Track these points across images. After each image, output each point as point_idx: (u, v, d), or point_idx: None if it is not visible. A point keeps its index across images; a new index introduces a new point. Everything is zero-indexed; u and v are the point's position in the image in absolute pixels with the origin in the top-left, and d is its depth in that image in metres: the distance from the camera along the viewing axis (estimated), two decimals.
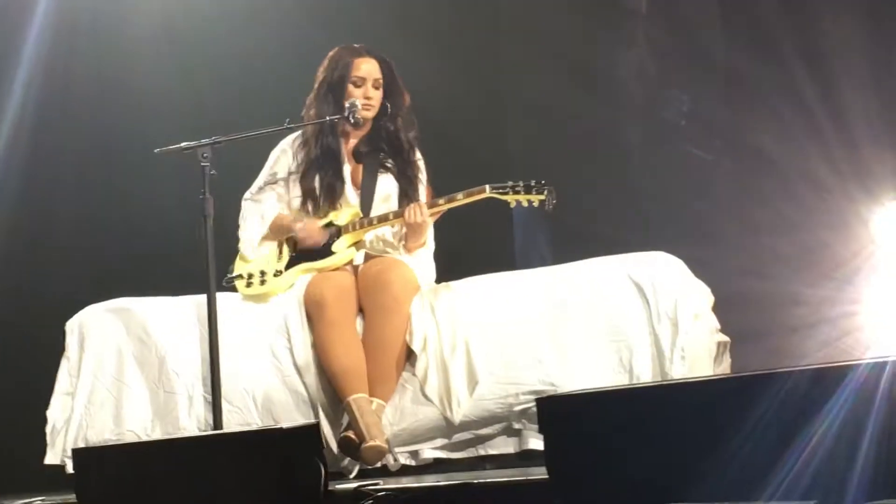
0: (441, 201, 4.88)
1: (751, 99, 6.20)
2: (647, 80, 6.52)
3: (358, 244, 4.96)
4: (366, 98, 4.99)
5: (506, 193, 4.83)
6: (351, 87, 5.00)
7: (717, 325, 4.75)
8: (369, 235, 4.98)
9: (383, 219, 4.91)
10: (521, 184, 4.83)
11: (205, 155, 4.57)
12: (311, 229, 4.92)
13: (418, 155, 5.12)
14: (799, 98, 5.93)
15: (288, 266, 4.93)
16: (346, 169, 5.05)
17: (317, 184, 4.99)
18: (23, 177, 6.46)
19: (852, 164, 5.79)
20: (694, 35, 6.35)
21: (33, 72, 6.47)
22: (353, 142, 5.10)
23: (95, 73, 6.53)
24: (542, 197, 4.82)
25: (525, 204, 4.84)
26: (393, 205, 5.01)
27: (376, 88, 5.03)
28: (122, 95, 6.45)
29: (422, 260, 4.97)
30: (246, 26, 6.46)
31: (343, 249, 4.91)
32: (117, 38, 6.52)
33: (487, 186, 4.83)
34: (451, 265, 5.11)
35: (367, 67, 5.02)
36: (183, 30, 6.50)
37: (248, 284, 4.93)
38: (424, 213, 4.83)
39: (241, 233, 5.03)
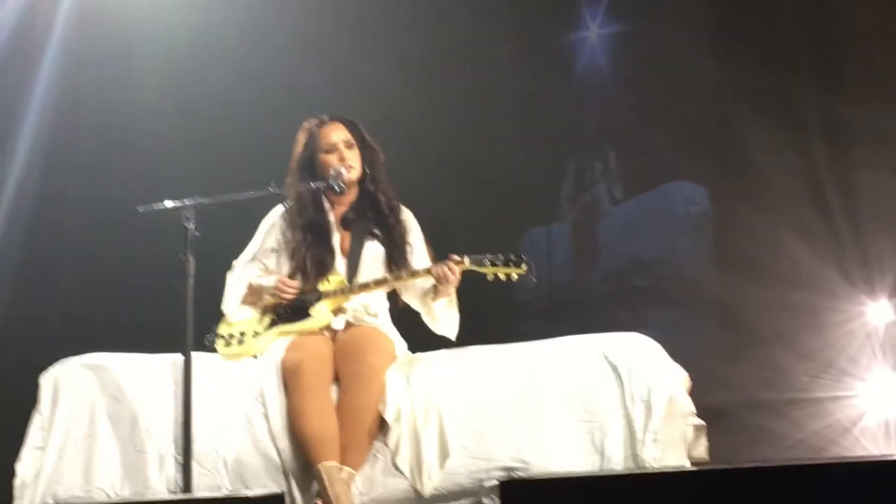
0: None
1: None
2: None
3: (338, 311, 4.95)
4: (341, 160, 4.99)
5: (483, 266, 4.84)
6: (324, 156, 5.02)
7: (692, 409, 4.69)
8: (353, 303, 4.97)
9: (363, 287, 4.91)
10: (500, 256, 4.83)
11: (188, 216, 4.58)
12: (284, 280, 4.92)
13: (405, 215, 5.11)
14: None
15: (268, 329, 4.93)
16: (336, 238, 5.05)
17: (308, 259, 4.99)
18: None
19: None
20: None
21: (38, 128, 6.48)
22: (340, 209, 5.10)
23: (98, 132, 6.53)
24: (522, 271, 4.83)
25: (503, 278, 4.84)
26: (379, 271, 5.00)
27: (349, 148, 5.03)
28: (120, 155, 6.45)
29: (440, 315, 4.97)
30: (248, 87, 6.47)
31: (321, 313, 4.90)
32: (121, 97, 6.53)
33: (467, 258, 4.84)
34: (428, 333, 5.09)
35: (335, 134, 5.04)
36: (186, 90, 6.50)
37: (228, 344, 4.93)
38: (456, 273, 4.81)
39: (224, 302, 5.03)
